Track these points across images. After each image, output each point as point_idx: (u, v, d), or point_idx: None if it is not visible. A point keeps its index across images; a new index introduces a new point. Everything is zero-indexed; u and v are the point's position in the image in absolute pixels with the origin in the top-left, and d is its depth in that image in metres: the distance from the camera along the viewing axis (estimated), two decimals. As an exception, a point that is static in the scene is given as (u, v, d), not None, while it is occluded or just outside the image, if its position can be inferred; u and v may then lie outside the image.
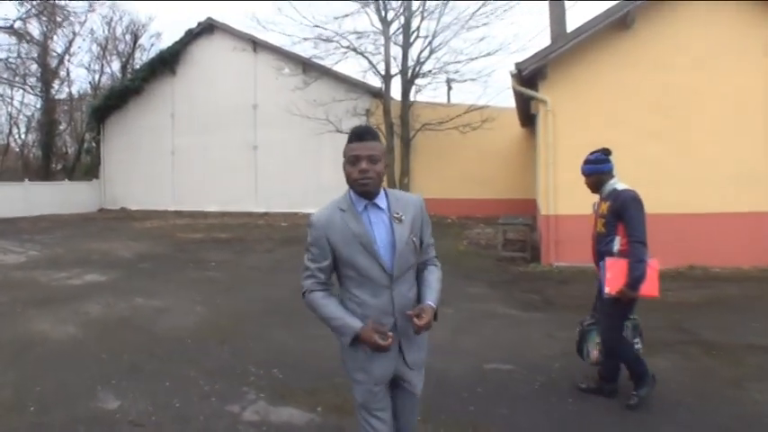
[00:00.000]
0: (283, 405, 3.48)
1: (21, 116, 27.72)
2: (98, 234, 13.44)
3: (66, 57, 27.01)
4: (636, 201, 3.30)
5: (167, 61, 19.76)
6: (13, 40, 21.86)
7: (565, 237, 8.12)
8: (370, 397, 2.01)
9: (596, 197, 3.59)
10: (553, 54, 8.14)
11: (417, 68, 15.16)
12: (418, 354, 2.09)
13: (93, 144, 23.26)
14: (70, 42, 26.60)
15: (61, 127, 28.53)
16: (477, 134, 14.69)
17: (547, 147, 8.35)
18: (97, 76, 29.23)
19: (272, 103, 17.37)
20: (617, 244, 3.34)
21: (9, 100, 26.60)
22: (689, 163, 7.87)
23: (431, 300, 2.00)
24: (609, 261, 3.32)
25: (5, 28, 20.47)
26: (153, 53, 25.79)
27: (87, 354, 4.50)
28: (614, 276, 3.27)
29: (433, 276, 2.10)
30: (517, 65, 8.31)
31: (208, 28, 19.16)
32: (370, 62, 15.26)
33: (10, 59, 22.44)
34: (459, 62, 15.51)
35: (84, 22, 29.84)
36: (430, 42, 14.90)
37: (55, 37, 25.25)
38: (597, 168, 3.48)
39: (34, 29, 23.42)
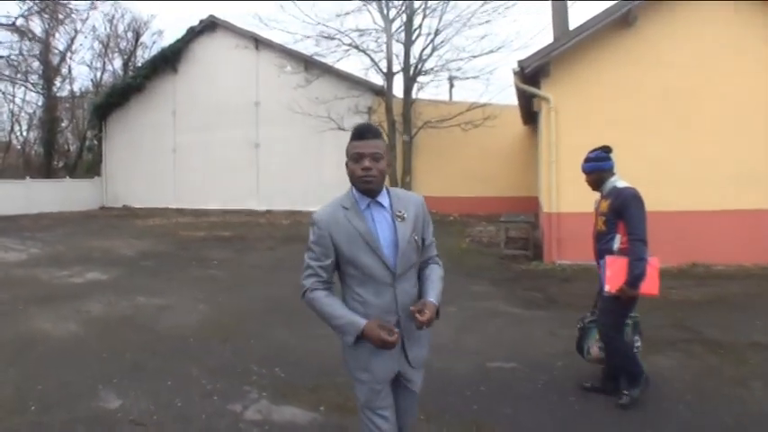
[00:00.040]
0: (285, 404, 3.47)
1: (22, 113, 27.79)
2: (99, 232, 13.44)
3: (68, 54, 27.11)
4: (636, 199, 3.28)
5: (169, 59, 19.73)
6: (16, 37, 21.86)
7: (567, 234, 8.10)
8: (373, 396, 2.00)
9: (598, 195, 3.58)
10: (556, 51, 8.11)
11: (419, 66, 15.14)
12: (420, 352, 2.08)
13: (95, 142, 23.30)
14: (72, 40, 26.64)
15: (63, 124, 28.56)
16: (479, 132, 14.68)
17: (549, 144, 8.31)
18: (99, 74, 29.31)
19: (273, 100, 17.32)
20: (617, 242, 3.33)
21: (11, 97, 26.63)
22: (690, 161, 7.85)
23: (432, 296, 1.99)
24: (609, 259, 3.32)
25: (7, 25, 20.44)
26: (155, 51, 25.90)
27: (89, 352, 4.50)
28: (614, 274, 3.27)
29: (435, 274, 2.10)
30: (520, 62, 8.29)
31: (210, 26, 19.12)
32: (372, 60, 15.26)
33: (12, 57, 22.44)
34: (461, 60, 15.57)
35: (86, 19, 29.72)
36: (432, 40, 14.90)
37: (57, 34, 25.27)
38: (598, 166, 3.47)
39: (36, 26, 23.48)
